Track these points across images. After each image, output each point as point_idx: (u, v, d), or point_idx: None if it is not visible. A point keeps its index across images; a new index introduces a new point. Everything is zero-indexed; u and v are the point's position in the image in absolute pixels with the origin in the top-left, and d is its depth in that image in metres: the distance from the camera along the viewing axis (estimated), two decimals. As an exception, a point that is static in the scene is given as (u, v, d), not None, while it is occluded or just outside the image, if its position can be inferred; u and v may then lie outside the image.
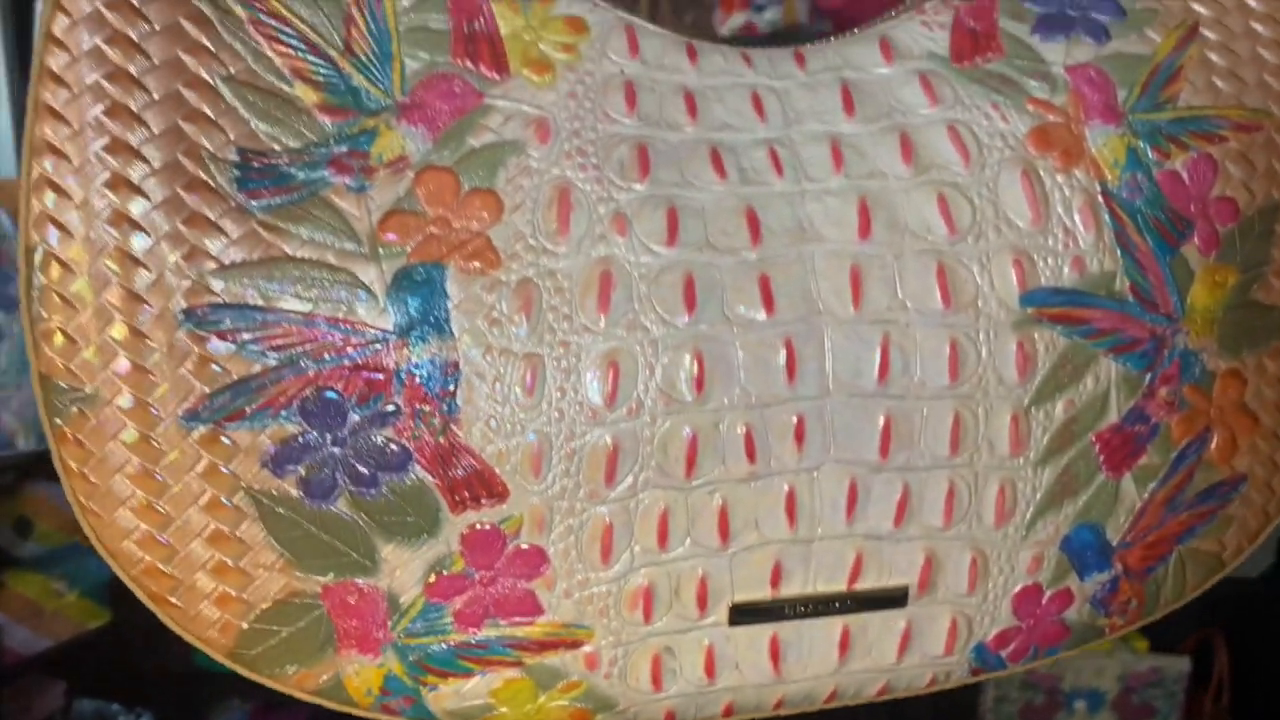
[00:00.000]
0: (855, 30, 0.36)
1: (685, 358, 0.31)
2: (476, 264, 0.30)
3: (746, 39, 1.85)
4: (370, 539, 0.30)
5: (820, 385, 0.32)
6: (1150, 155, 0.35)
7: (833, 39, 0.36)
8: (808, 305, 0.32)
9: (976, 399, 0.33)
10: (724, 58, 0.34)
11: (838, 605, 0.33)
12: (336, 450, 0.29)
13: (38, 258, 0.28)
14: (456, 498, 0.30)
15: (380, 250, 0.29)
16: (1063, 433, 0.34)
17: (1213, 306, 0.35)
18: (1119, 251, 0.34)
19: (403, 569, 0.30)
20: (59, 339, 0.28)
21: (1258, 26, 0.37)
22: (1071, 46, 0.35)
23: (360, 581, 0.30)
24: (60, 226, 0.28)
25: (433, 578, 0.30)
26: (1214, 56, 0.36)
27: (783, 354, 0.31)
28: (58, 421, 0.29)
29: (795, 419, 0.31)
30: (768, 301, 0.31)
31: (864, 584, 0.33)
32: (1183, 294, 0.35)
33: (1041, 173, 0.34)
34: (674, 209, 0.31)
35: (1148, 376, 0.35)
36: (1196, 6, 0.36)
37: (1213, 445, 0.36)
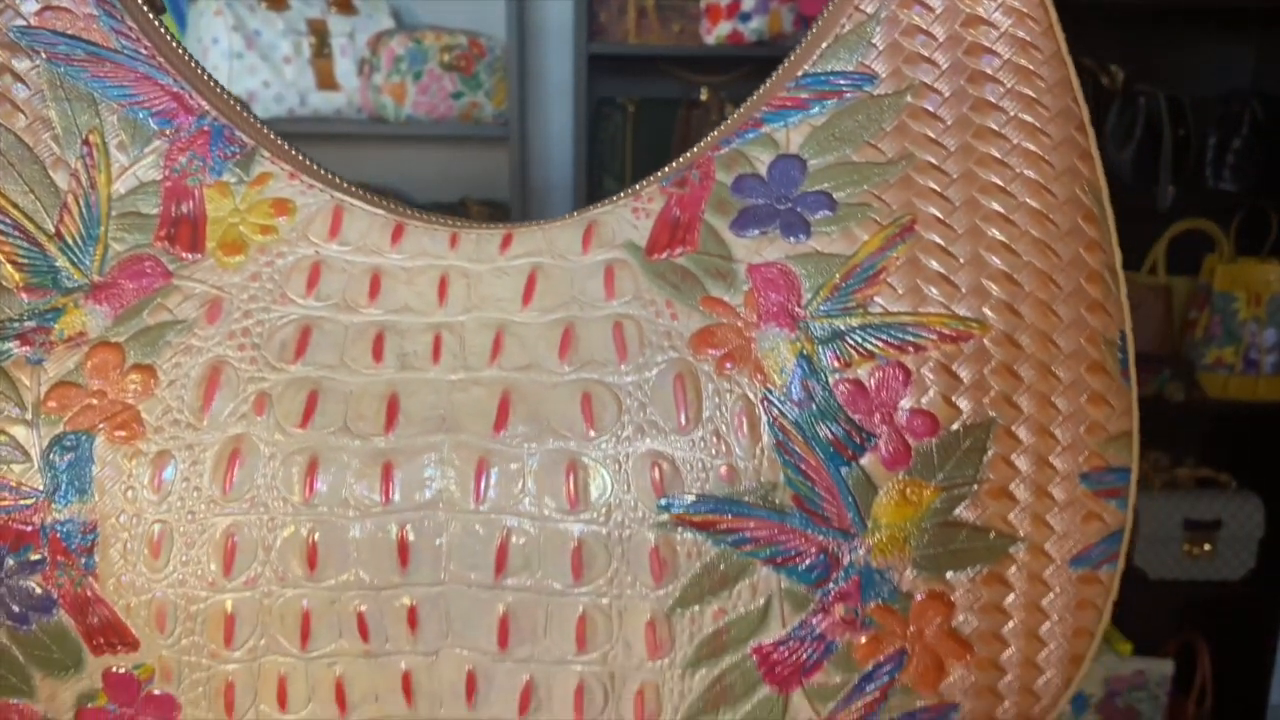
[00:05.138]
0: (576, 214, 0.37)
1: (300, 536, 0.32)
2: (122, 434, 0.33)
3: (731, 48, 1.79)
4: (25, 668, 0.34)
5: (435, 574, 0.33)
6: (827, 362, 0.33)
7: (551, 222, 0.36)
8: (430, 495, 0.33)
9: (608, 599, 0.33)
10: (430, 239, 0.36)
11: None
12: None
13: None
14: (94, 642, 0.33)
15: (41, 418, 0.33)
16: (713, 641, 0.33)
17: (903, 523, 0.33)
18: (781, 461, 0.33)
19: (55, 698, 0.34)
20: None
21: (986, 226, 0.34)
22: (762, 243, 0.34)
23: (17, 702, 0.34)
24: None
25: (81, 709, 0.34)
26: (926, 258, 0.34)
27: (395, 541, 0.32)
28: None
29: (409, 604, 0.33)
30: (386, 488, 0.33)
31: (489, 768, 0.34)
32: (863, 509, 0.33)
33: (700, 376, 0.33)
34: (315, 393, 0.33)
35: (818, 592, 0.33)
36: (919, 202, 0.34)
37: (910, 669, 0.34)
